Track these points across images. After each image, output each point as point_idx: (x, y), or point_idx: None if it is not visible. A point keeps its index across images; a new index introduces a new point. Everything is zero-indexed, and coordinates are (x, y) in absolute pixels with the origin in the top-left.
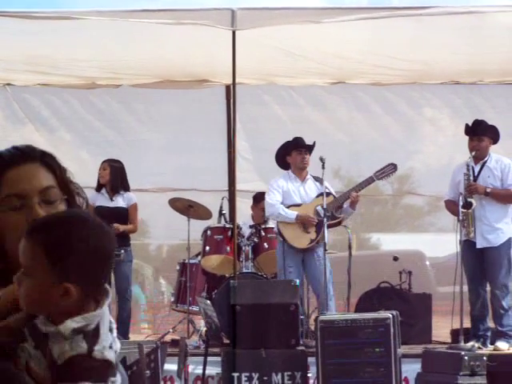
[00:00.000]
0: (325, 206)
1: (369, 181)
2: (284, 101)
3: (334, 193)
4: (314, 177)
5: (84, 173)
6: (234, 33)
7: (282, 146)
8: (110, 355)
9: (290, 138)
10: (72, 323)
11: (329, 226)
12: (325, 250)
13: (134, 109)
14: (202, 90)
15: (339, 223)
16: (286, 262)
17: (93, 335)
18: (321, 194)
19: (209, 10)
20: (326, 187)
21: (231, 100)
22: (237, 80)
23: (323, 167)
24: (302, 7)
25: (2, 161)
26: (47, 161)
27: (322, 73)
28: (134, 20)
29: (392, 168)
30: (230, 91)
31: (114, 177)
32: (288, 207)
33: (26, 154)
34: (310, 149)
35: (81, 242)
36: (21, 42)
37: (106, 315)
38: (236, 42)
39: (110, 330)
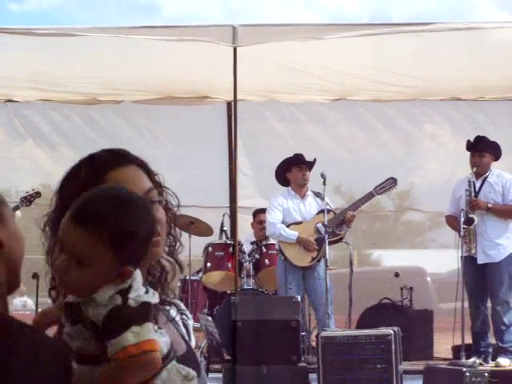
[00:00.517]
0: (326, 223)
1: (369, 196)
2: (285, 117)
3: (333, 209)
4: (314, 192)
5: None
6: (235, 49)
7: (282, 162)
8: (147, 298)
9: (291, 155)
10: (107, 291)
11: (329, 243)
12: (326, 267)
13: (135, 124)
14: (203, 106)
15: (340, 240)
16: (286, 279)
17: (126, 291)
18: (321, 211)
19: (210, 26)
20: (327, 203)
21: (232, 116)
22: (238, 97)
23: (324, 183)
24: (302, 23)
25: (104, 162)
26: (142, 164)
27: (322, 89)
28: (135, 36)
29: (392, 182)
30: (231, 107)
31: None
32: (289, 225)
33: (125, 157)
34: (310, 165)
35: (138, 225)
36: (22, 58)
37: (137, 274)
38: (237, 58)
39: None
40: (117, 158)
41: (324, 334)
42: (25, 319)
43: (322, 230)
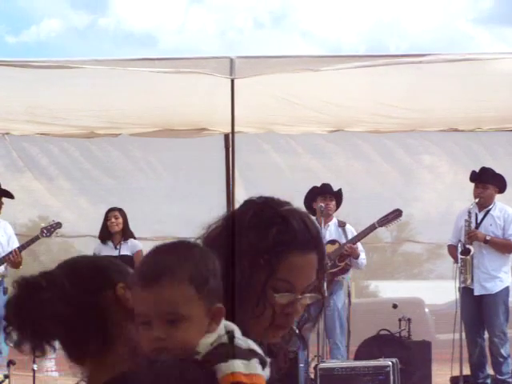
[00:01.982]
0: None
1: (371, 228)
2: (282, 149)
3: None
4: (339, 221)
5: (83, 221)
6: (232, 81)
7: (308, 191)
8: (256, 348)
9: (289, 186)
10: (208, 340)
11: (336, 274)
12: (323, 297)
13: (132, 157)
14: (200, 139)
15: (344, 270)
16: None
17: (231, 332)
18: (329, 242)
19: (207, 58)
20: (345, 232)
21: (230, 148)
22: (235, 129)
23: (322, 215)
24: (300, 55)
25: (297, 239)
26: (323, 251)
27: (320, 121)
28: (133, 69)
29: (397, 214)
30: (229, 139)
31: (127, 225)
32: None
33: (316, 241)
34: (335, 195)
35: (210, 263)
36: (19, 91)
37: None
38: (234, 90)
39: None
40: (309, 241)
41: (322, 365)
42: None
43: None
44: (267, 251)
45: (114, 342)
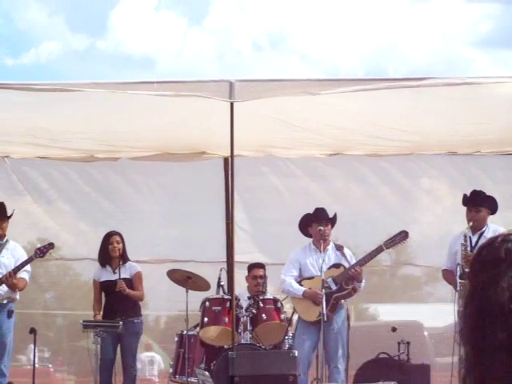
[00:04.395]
0: (323, 277)
1: (378, 250)
2: (281, 172)
3: (349, 262)
4: (336, 245)
5: (82, 244)
6: (231, 104)
7: (303, 217)
8: None
9: (288, 210)
10: None
11: (342, 298)
12: (323, 321)
13: (132, 180)
14: (199, 162)
15: (350, 294)
16: (301, 331)
17: None
18: (332, 266)
19: (207, 81)
20: (345, 255)
21: (229, 171)
22: (235, 152)
23: (321, 238)
24: (299, 79)
25: None
26: None
27: (319, 144)
28: (132, 92)
29: (403, 236)
30: (228, 163)
31: (125, 249)
32: (301, 280)
33: None
34: (330, 220)
35: None
36: (19, 114)
37: None
38: (234, 113)
39: None
40: None
41: None
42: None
43: (331, 284)
44: None
45: None
